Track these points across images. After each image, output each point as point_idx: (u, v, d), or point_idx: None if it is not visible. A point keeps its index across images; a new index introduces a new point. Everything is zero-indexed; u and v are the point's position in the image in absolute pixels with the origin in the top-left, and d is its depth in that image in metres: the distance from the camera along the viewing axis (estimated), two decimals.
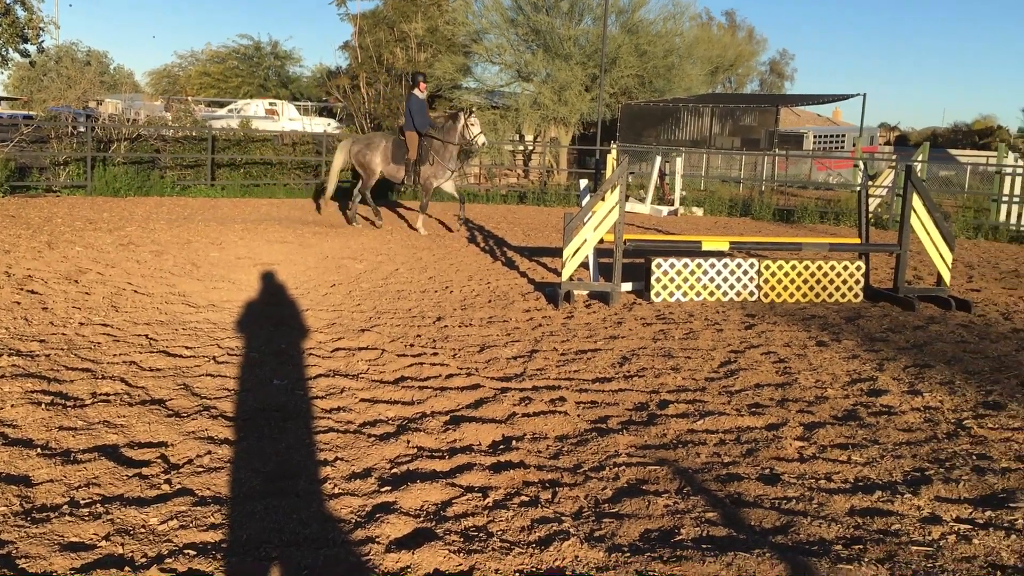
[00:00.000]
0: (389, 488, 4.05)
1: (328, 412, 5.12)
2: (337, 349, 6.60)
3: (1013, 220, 18.12)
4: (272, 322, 7.40)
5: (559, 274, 9.10)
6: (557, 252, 11.73)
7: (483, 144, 13.96)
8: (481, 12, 28.51)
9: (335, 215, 15.95)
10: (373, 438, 4.71)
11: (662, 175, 20.76)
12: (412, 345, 6.84)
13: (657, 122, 32.34)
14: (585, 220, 9.00)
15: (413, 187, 14.93)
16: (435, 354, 6.58)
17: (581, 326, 7.86)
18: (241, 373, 5.82)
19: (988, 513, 3.97)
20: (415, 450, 4.56)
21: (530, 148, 29.99)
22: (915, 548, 3.59)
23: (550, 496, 4.03)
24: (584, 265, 10.08)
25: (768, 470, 4.45)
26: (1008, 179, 18.44)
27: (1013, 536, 3.73)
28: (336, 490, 4.01)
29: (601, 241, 9.15)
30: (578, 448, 4.69)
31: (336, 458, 4.40)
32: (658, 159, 20.19)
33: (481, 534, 3.63)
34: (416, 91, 14.07)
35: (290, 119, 34.04)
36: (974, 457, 4.72)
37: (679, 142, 31.66)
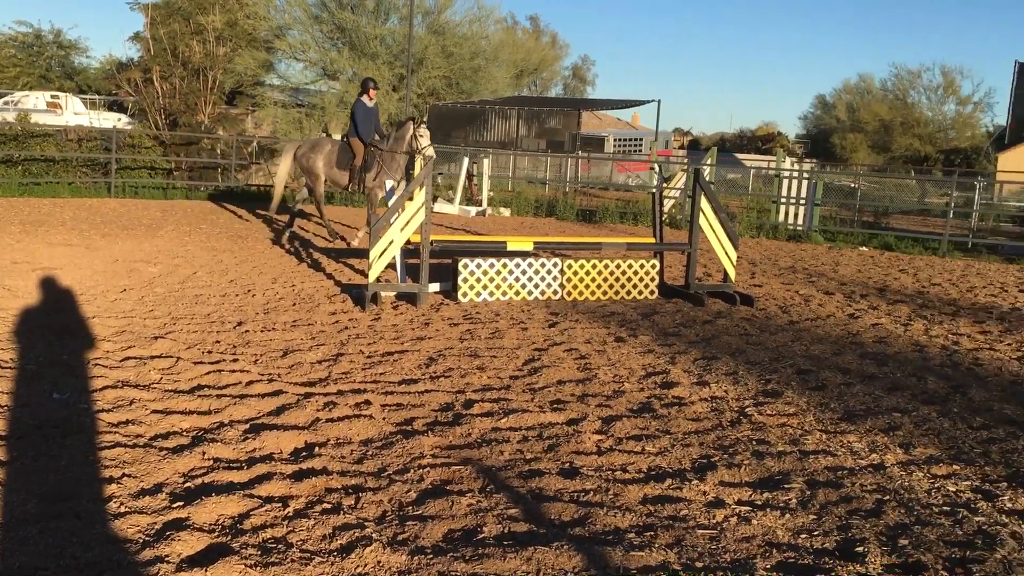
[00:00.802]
0: (182, 503, 3.86)
1: (115, 426, 4.82)
2: (127, 358, 6.23)
3: (791, 220, 19.61)
4: (54, 331, 6.88)
5: (367, 276, 9.00)
6: (365, 253, 11.61)
7: (431, 156, 13.00)
8: (284, 7, 27.78)
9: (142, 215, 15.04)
10: (165, 451, 4.48)
11: (470, 176, 20.96)
12: (210, 352, 6.56)
13: (465, 123, 32.66)
14: (391, 221, 8.95)
15: (359, 193, 13.90)
16: (235, 360, 6.34)
17: (388, 328, 7.82)
18: (16, 387, 5.38)
19: (766, 495, 4.27)
20: (211, 462, 4.37)
21: None
22: (701, 531, 3.80)
23: (353, 502, 3.98)
24: (392, 266, 10.03)
25: (568, 464, 4.59)
26: (786, 182, 19.94)
27: (787, 515, 4.03)
28: (123, 509, 3.78)
29: (408, 242, 9.13)
30: (383, 452, 4.65)
31: (123, 474, 4.14)
32: (466, 160, 20.37)
33: (280, 545, 3.52)
34: (364, 98, 13.32)
35: (75, 113, 31.80)
36: (754, 442, 5.06)
37: (487, 143, 32.12)
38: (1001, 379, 6.89)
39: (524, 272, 9.52)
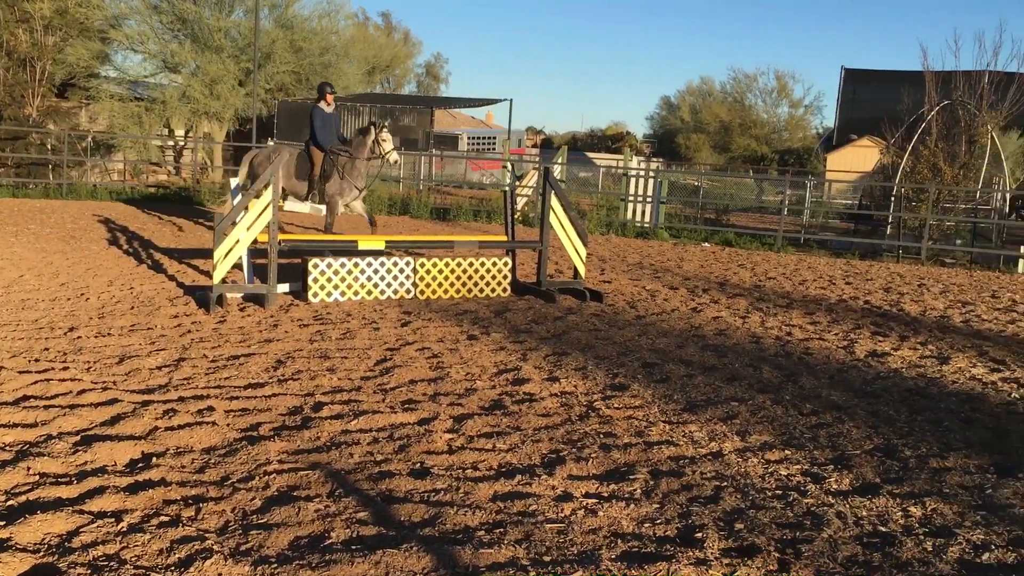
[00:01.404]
0: (3, 523, 3.60)
1: None
2: None
3: (638, 217, 20.23)
4: None
5: (211, 277, 8.68)
6: (210, 253, 11.19)
7: (395, 161, 12.42)
8: None
9: None
10: None
11: None
12: (37, 360, 6.16)
13: None
14: (237, 220, 8.67)
15: (316, 202, 12.84)
16: (65, 368, 5.98)
17: (234, 330, 7.56)
18: None
19: (612, 486, 4.38)
20: (37, 477, 4.10)
21: (181, 144, 28.35)
22: (549, 526, 3.86)
23: (193, 513, 3.82)
24: (238, 267, 9.71)
25: (419, 464, 4.56)
26: (633, 181, 20.55)
27: (632, 505, 4.14)
28: None
29: (255, 242, 8.87)
30: (226, 459, 4.49)
31: None
32: None
33: (112, 563, 3.34)
34: (321, 103, 12.57)
35: None
36: (602, 436, 5.18)
37: None
38: (829, 367, 7.32)
39: (376, 271, 9.42)
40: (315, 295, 9.08)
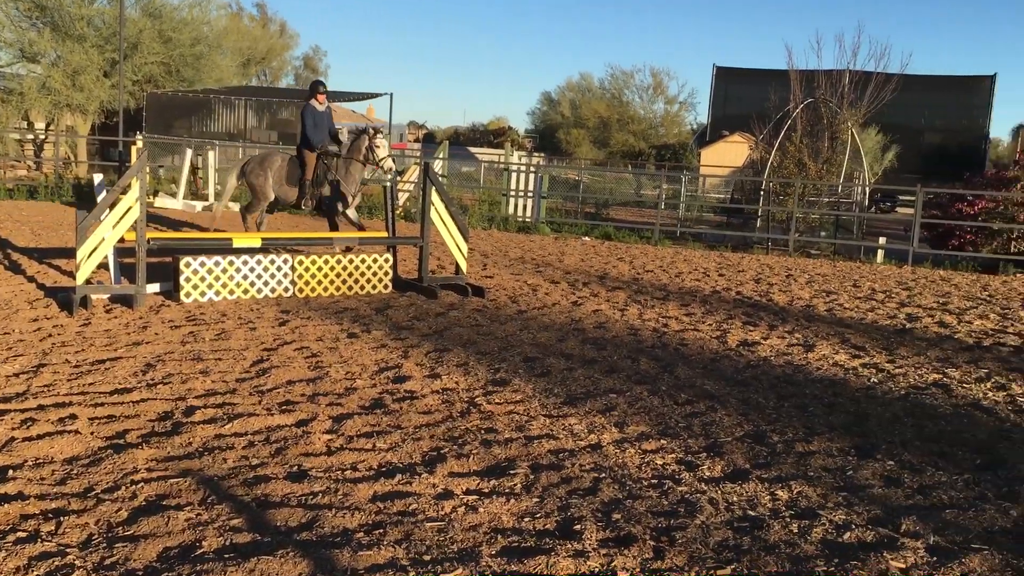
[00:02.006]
0: None
1: None
2: None
3: (520, 212, 20.38)
4: None
5: (75, 277, 8.27)
6: (74, 253, 10.67)
7: (390, 168, 11.74)
8: None
9: None
10: None
11: (194, 169, 19.92)
12: None
13: (188, 113, 30.93)
14: (102, 217, 8.29)
15: (310, 211, 11.86)
16: None
17: (100, 333, 7.23)
18: None
19: (493, 482, 4.39)
20: None
21: (42, 137, 26.92)
22: (430, 524, 3.84)
23: (54, 527, 3.63)
24: (105, 266, 9.30)
25: (297, 467, 4.46)
26: (514, 175, 20.69)
27: (512, 500, 4.16)
28: None
29: (123, 240, 8.50)
30: (90, 469, 4.29)
31: None
32: (189, 152, 19.33)
33: None
34: (313, 102, 11.77)
35: None
36: (483, 431, 5.19)
37: (213, 134, 30.61)
38: (703, 357, 7.55)
39: (252, 270, 9.17)
40: (188, 295, 8.77)
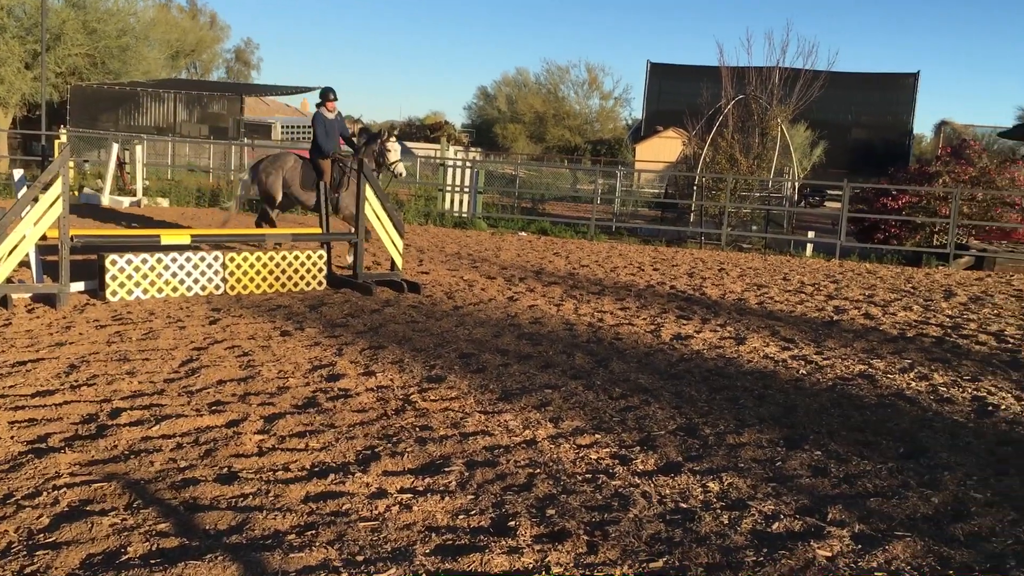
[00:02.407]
0: None
1: None
2: None
3: (457, 207, 20.33)
4: None
5: None
6: None
7: (402, 173, 11.27)
8: None
9: None
10: None
11: (121, 164, 19.43)
12: None
13: (115, 106, 30.14)
14: (23, 214, 8.03)
15: (326, 214, 11.24)
16: None
17: (21, 334, 7.00)
18: None
19: (427, 480, 4.37)
20: None
21: None
22: (363, 524, 3.81)
23: None
24: (27, 264, 9.01)
25: (227, 469, 4.38)
26: (451, 170, 20.63)
27: (447, 498, 4.15)
28: None
29: (45, 237, 8.25)
30: (10, 475, 4.15)
31: None
32: (115, 146, 18.85)
33: None
34: (323, 110, 11.38)
35: None
36: (418, 429, 5.16)
37: (141, 128, 29.89)
38: (638, 351, 7.62)
39: (182, 267, 8.98)
40: (114, 294, 8.55)
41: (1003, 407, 6.29)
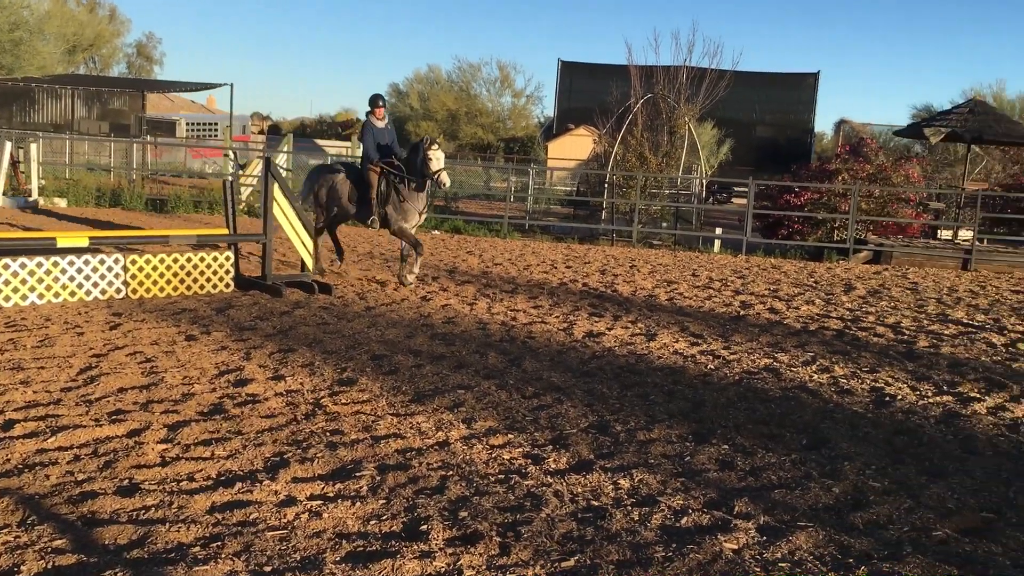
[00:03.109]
0: None
1: None
2: None
3: None
4: None
5: None
6: None
7: (445, 183, 10.42)
8: None
9: None
10: None
11: (15, 162, 18.63)
12: None
13: (7, 103, 28.89)
14: None
15: (376, 227, 10.36)
16: None
17: None
18: None
19: (338, 486, 4.30)
20: None
21: None
22: (271, 533, 3.73)
23: None
24: None
25: (128, 480, 4.23)
26: None
27: (358, 504, 4.10)
28: None
29: None
30: None
31: None
32: (8, 144, 18.05)
33: None
34: (371, 118, 10.63)
35: None
36: (328, 434, 5.08)
37: (37, 126, 28.73)
38: (550, 349, 7.67)
39: (80, 271, 8.65)
40: (7, 299, 8.18)
41: (899, 397, 6.54)
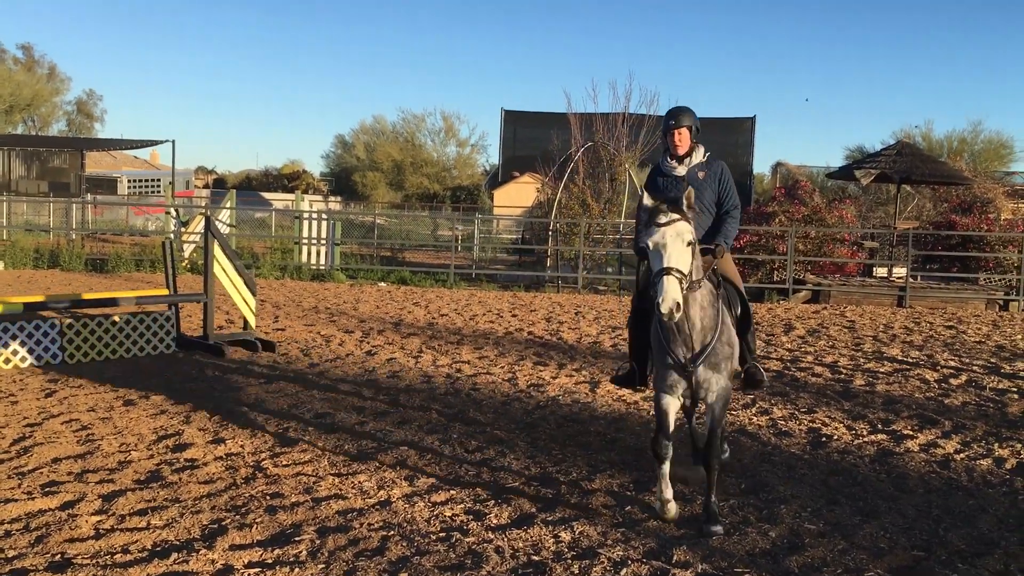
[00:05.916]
0: None
1: None
2: None
3: (314, 259, 20.06)
4: None
5: None
6: None
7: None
8: None
9: None
10: None
11: None
12: None
13: None
14: None
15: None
16: None
17: None
18: None
19: (277, 551, 4.26)
20: None
21: None
22: None
23: None
24: None
25: (60, 555, 4.15)
26: (307, 222, 20.37)
27: (297, 569, 4.06)
28: None
29: None
30: None
31: None
32: None
33: None
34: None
35: None
36: (268, 497, 5.04)
37: None
38: (495, 401, 7.69)
39: (15, 337, 8.49)
40: None
41: (835, 437, 6.68)
